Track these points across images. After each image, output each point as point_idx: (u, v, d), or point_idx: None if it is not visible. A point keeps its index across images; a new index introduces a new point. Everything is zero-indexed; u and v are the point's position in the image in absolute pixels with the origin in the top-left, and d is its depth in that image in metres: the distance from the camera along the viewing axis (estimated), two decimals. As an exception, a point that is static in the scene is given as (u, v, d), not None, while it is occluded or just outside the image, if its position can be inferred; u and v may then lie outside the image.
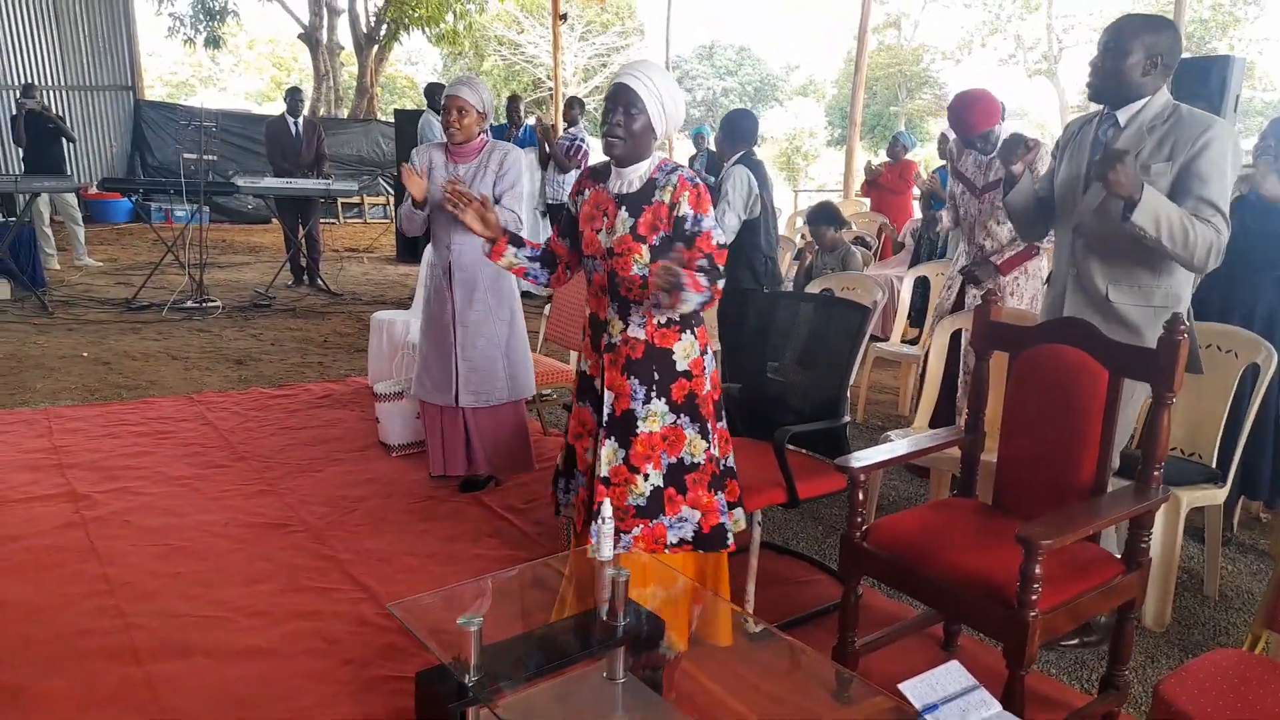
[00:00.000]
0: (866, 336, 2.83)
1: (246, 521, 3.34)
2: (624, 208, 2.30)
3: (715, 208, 3.71)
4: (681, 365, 2.34)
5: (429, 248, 4.83)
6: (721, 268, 2.27)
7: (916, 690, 1.48)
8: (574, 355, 4.79)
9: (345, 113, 19.05)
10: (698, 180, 2.28)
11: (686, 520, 2.37)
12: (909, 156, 8.19)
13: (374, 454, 4.09)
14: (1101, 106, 2.56)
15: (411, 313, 4.99)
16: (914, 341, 5.18)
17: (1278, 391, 3.14)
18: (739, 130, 3.82)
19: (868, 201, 8.33)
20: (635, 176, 2.32)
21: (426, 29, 17.28)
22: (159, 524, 3.29)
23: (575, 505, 2.53)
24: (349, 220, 14.87)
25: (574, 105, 7.72)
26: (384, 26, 18.06)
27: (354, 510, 3.48)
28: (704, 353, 2.39)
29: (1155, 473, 2.16)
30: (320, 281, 8.41)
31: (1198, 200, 2.35)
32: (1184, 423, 2.91)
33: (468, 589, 2.25)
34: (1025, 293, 3.69)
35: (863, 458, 2.31)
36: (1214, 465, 2.89)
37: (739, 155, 3.79)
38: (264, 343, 6.29)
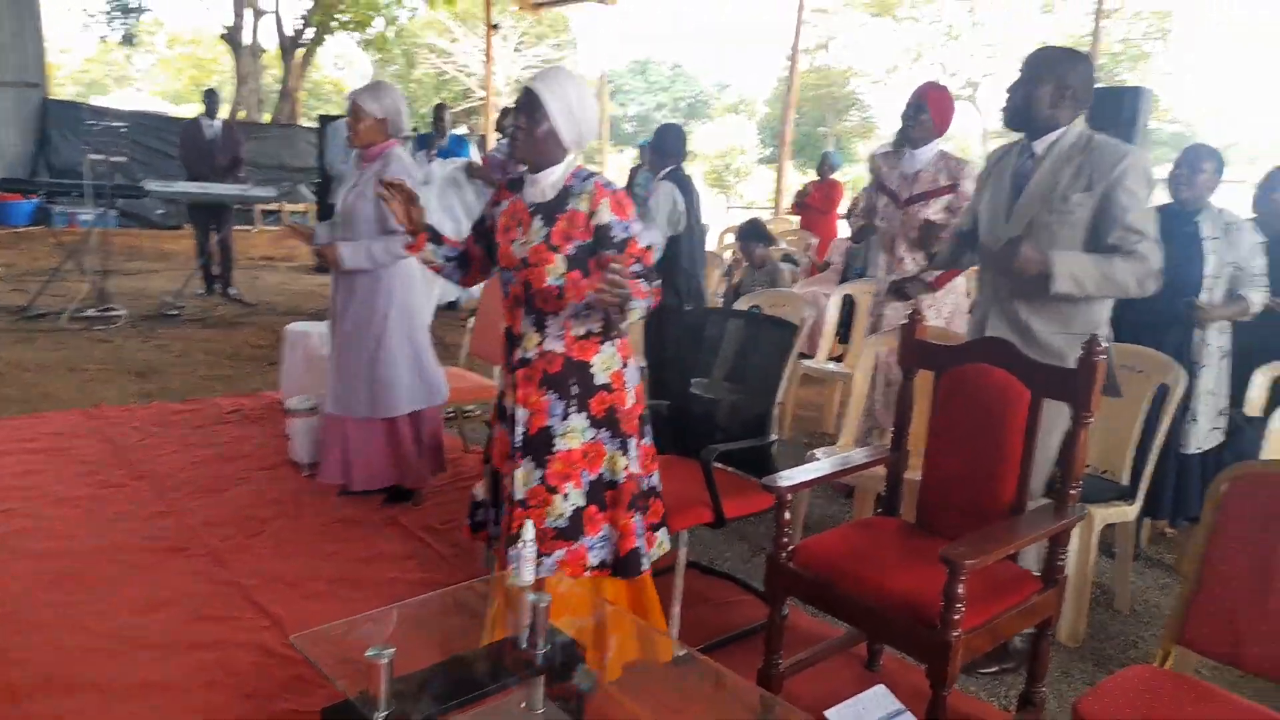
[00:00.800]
0: (794, 354, 2.81)
1: (144, 545, 3.15)
2: (538, 217, 2.26)
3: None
4: (601, 378, 2.27)
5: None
6: (653, 270, 2.24)
7: (843, 716, 1.44)
8: (496, 371, 4.70)
9: (267, 117, 18.56)
10: (615, 186, 2.24)
11: (607, 540, 2.30)
12: (835, 176, 8.31)
13: (284, 473, 3.92)
14: (1019, 136, 2.61)
15: (328, 324, 4.83)
16: (840, 359, 5.22)
17: (1182, 412, 3.22)
18: (666, 145, 3.79)
19: (797, 220, 8.42)
20: (549, 185, 2.27)
21: (354, 33, 16.95)
22: (48, 548, 3.08)
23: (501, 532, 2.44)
24: (267, 227, 14.44)
25: (505, 115, 7.61)
26: (309, 29, 17.67)
27: (260, 532, 3.31)
28: (626, 365, 2.32)
29: (1073, 491, 2.18)
30: (233, 291, 8.12)
31: (1124, 230, 2.40)
32: (1098, 441, 2.96)
33: (377, 617, 2.14)
34: (944, 307, 3.73)
35: (790, 477, 2.28)
36: (1126, 483, 2.96)
37: (666, 170, 3.75)
38: (170, 354, 6.01)
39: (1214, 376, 3.29)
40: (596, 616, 2.31)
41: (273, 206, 14.03)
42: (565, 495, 2.25)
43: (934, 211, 3.50)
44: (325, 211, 9.53)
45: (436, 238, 2.46)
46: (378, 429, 3.47)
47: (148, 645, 2.53)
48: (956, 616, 1.89)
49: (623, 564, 2.29)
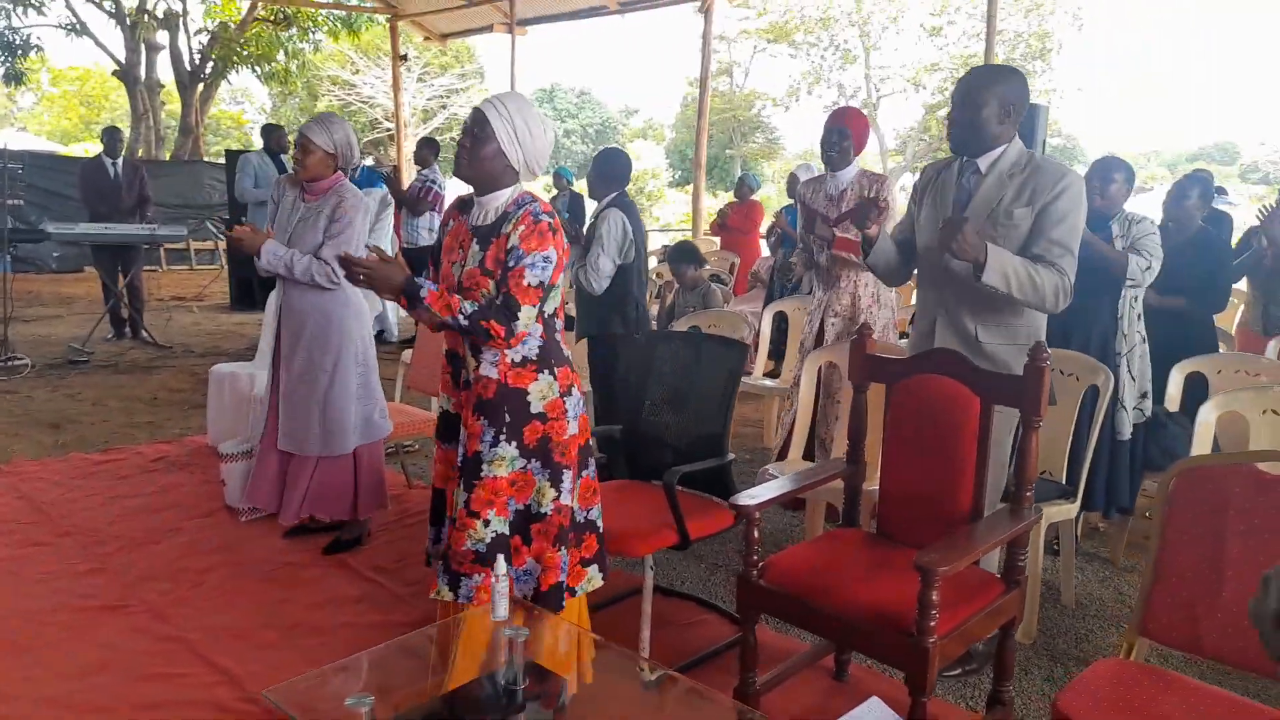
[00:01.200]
0: (742, 372, 2.85)
1: (77, 605, 2.98)
2: (476, 240, 2.25)
3: (589, 251, 3.66)
4: (536, 407, 2.24)
5: (272, 295, 4.56)
6: (521, 311, 2.15)
7: (842, 732, 1.45)
8: (435, 402, 4.62)
9: (167, 154, 17.94)
10: (543, 217, 2.17)
11: (530, 574, 2.28)
12: (754, 197, 8.47)
13: (220, 519, 3.77)
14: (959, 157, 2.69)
15: (256, 364, 4.68)
16: (774, 375, 5.30)
17: (1111, 411, 3.38)
18: (611, 171, 3.78)
19: (717, 240, 8.55)
20: (493, 208, 2.26)
21: (256, 68, 16.56)
22: (-32, 615, 2.89)
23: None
24: (173, 268, 13.94)
25: (424, 146, 7.53)
26: (210, 64, 17.18)
27: (201, 583, 3.17)
28: (566, 394, 2.29)
29: (1028, 494, 2.26)
30: (145, 334, 7.79)
31: (1049, 241, 2.50)
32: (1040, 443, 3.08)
33: (348, 665, 2.06)
34: (878, 321, 3.84)
35: (756, 495, 2.30)
36: (1065, 482, 3.08)
37: (612, 197, 3.75)
38: (83, 403, 5.73)
39: (1136, 362, 3.46)
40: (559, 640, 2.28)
41: (180, 246, 13.55)
42: (486, 521, 2.22)
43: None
44: (235, 250, 9.23)
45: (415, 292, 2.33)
46: (322, 466, 3.37)
47: (90, 709, 2.39)
48: (932, 623, 1.93)
49: (543, 598, 2.26)
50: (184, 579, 3.19)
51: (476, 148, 2.21)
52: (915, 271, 2.88)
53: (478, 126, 2.21)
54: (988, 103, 2.52)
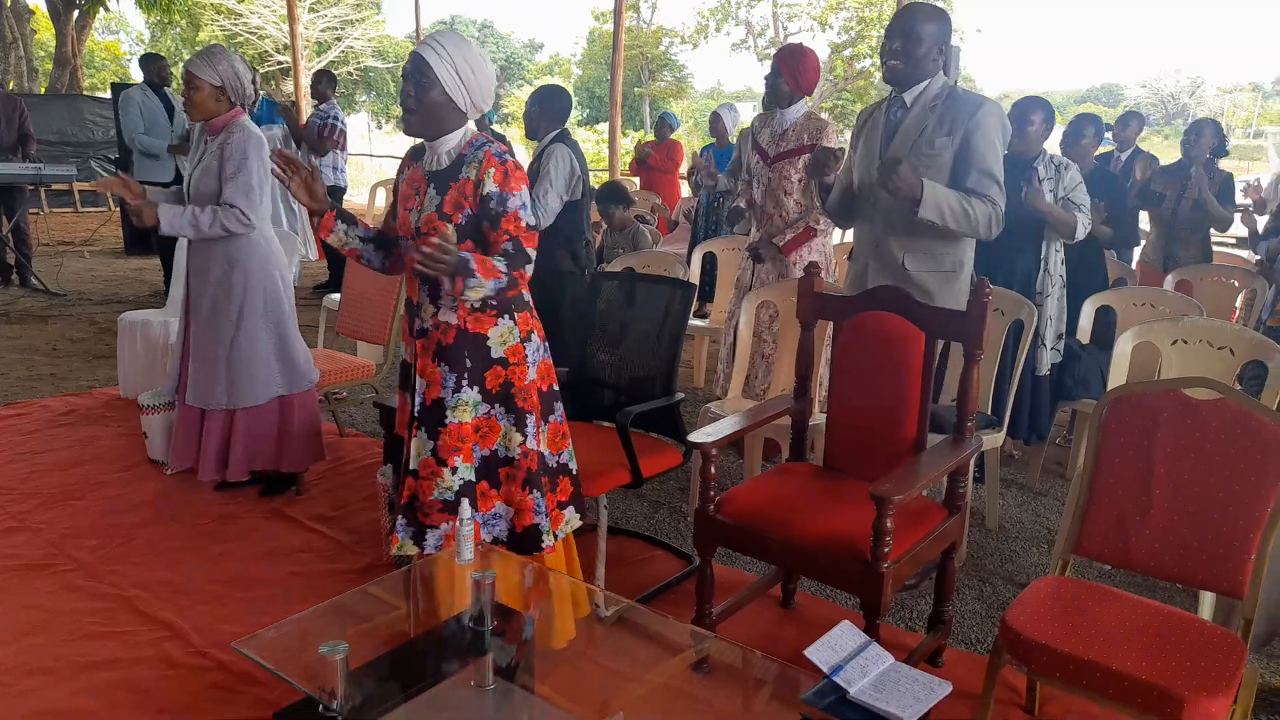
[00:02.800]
0: (690, 311, 2.87)
1: (0, 565, 2.85)
2: (433, 185, 2.20)
3: (536, 187, 3.60)
4: (497, 352, 2.23)
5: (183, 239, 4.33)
6: (531, 251, 2.17)
7: (821, 654, 1.53)
8: (363, 347, 4.51)
9: (41, 87, 16.69)
10: (506, 157, 2.16)
11: (500, 517, 2.29)
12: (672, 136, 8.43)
13: (144, 472, 3.63)
14: (889, 91, 2.78)
15: (168, 311, 4.47)
16: (702, 316, 5.35)
17: (1033, 347, 3.54)
18: (553, 108, 3.71)
19: (637, 180, 8.49)
20: (445, 152, 2.21)
21: (136, -6, 15.47)
22: (-122, 582, 2.73)
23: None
24: (57, 210, 13.06)
25: (322, 80, 7.14)
26: (83, -11, 15.97)
27: (132, 539, 3.06)
28: (526, 339, 2.28)
29: (969, 424, 2.36)
30: (36, 280, 7.33)
31: (980, 174, 2.66)
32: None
33: (317, 614, 2.04)
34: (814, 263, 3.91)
35: (711, 433, 2.34)
36: (990, 413, 3.23)
37: (555, 133, 3.68)
38: (-25, 355, 5.38)
39: (1055, 303, 3.63)
40: (531, 583, 2.30)
41: (64, 187, 12.70)
42: (454, 469, 2.21)
43: (797, 170, 3.65)
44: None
45: (348, 217, 2.35)
46: (241, 418, 3.25)
47: (31, 672, 2.31)
48: (886, 549, 2.02)
49: (520, 539, 2.28)
50: (114, 535, 3.08)
51: (421, 95, 2.14)
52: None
53: (419, 73, 2.14)
54: (925, 39, 2.65)
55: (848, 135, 3.55)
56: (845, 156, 3.09)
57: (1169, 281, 4.44)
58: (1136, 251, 5.27)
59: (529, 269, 2.16)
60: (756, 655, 1.84)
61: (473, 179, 2.14)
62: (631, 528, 3.29)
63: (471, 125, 2.25)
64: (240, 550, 3.01)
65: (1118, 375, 2.94)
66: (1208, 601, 2.52)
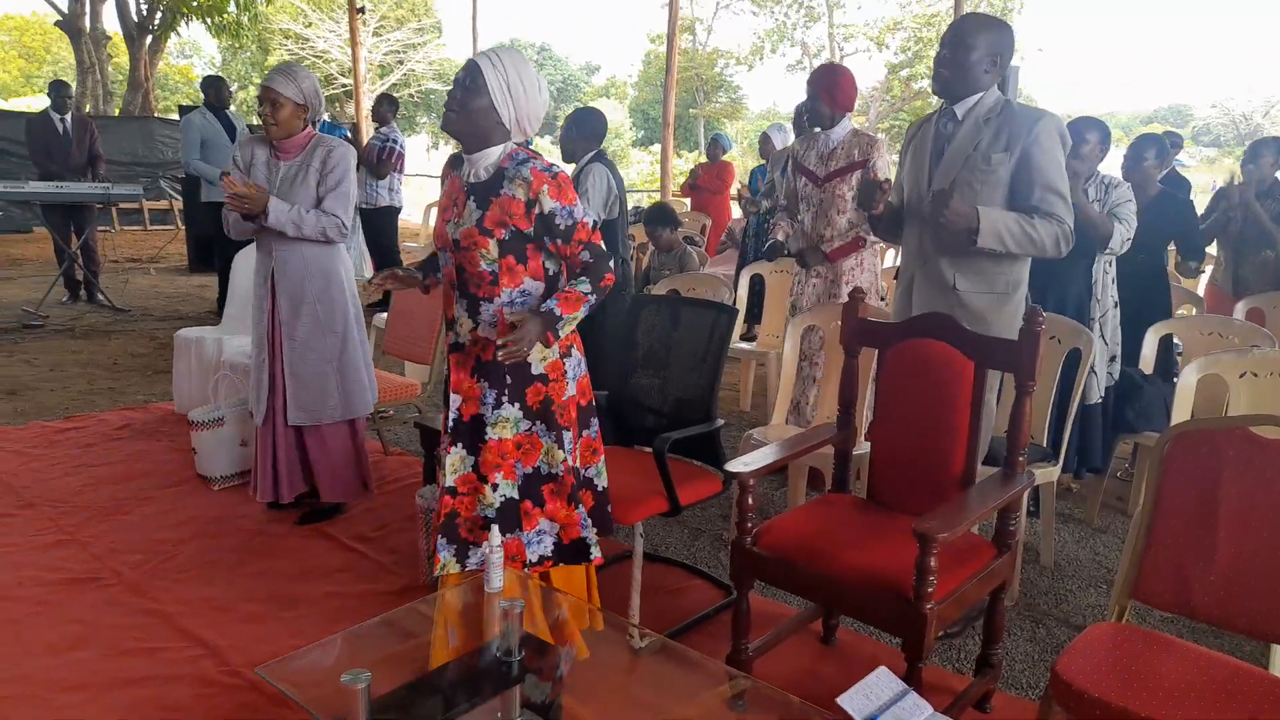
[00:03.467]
0: (731, 337, 2.82)
1: (45, 579, 2.89)
2: (472, 198, 2.18)
3: None
4: (537, 369, 2.21)
5: (241, 254, 4.41)
6: (604, 250, 2.23)
7: (854, 702, 1.45)
8: (410, 367, 4.53)
9: (116, 109, 17.32)
10: (556, 169, 2.16)
11: (545, 534, 2.26)
12: (725, 158, 8.40)
13: (192, 488, 3.68)
14: (939, 105, 2.69)
15: (223, 329, 4.56)
16: (749, 339, 5.29)
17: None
18: (590, 129, 3.72)
19: (688, 202, 8.47)
20: (484, 166, 2.19)
21: (207, 19, 15.98)
22: (-68, 591, 2.79)
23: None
24: (126, 228, 13.52)
25: (383, 103, 7.30)
26: (159, 15, 16.56)
27: (176, 555, 3.10)
28: (566, 355, 2.26)
29: (1020, 458, 2.26)
30: (102, 296, 7.56)
31: (1044, 189, 2.53)
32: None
33: (342, 640, 2.03)
34: (861, 285, 3.82)
35: (750, 462, 2.28)
36: (1045, 445, 3.11)
37: (593, 154, 3.69)
38: (40, 369, 5.55)
39: (1108, 329, 3.49)
40: (553, 610, 2.26)
41: (134, 205, 13.14)
42: (495, 485, 2.19)
43: (850, 188, 3.59)
44: (191, 211, 8.91)
45: (432, 265, 2.45)
46: (342, 432, 3.32)
47: (69, 687, 2.33)
48: (930, 589, 1.93)
49: (568, 550, 2.27)
50: (158, 551, 3.12)
51: (467, 100, 2.14)
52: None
53: (470, 78, 2.13)
54: (977, 47, 2.54)
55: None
56: (896, 174, 3.01)
57: (1240, 309, 4.26)
58: (1204, 277, 5.08)
59: (613, 264, 2.22)
60: (793, 700, 1.77)
61: (521, 198, 2.13)
62: (670, 555, 3.23)
63: (512, 142, 2.23)
64: (280, 569, 3.02)
65: (1182, 409, 2.80)
66: (1278, 655, 2.37)
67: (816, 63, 30.42)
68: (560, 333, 2.11)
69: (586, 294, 2.15)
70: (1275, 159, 4.60)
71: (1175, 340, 3.83)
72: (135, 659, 2.46)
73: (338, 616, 2.71)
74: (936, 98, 2.67)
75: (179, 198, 12.65)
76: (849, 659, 2.58)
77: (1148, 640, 1.88)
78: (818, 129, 3.69)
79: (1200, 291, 5.22)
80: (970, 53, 2.53)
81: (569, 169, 3.74)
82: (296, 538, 3.26)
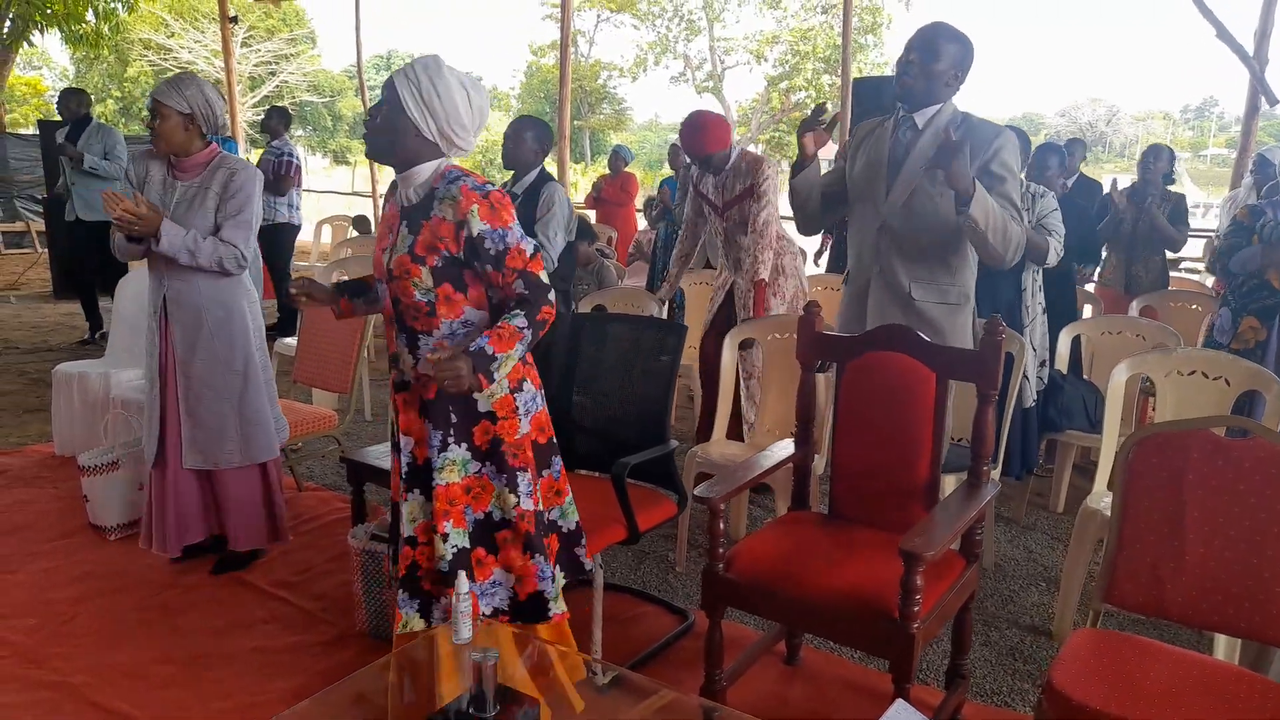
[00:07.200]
0: (680, 354, 2.74)
1: (-78, 655, 2.56)
2: (405, 223, 2.03)
3: (544, 227, 3.45)
4: (484, 406, 2.06)
5: (128, 279, 4.07)
6: (544, 279, 2.03)
7: (880, 741, 1.38)
8: (320, 395, 4.27)
9: (-43, 124, 15.94)
10: (488, 188, 1.99)
11: (500, 585, 2.11)
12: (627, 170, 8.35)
13: (86, 540, 3.34)
14: (895, 112, 2.67)
15: (108, 362, 4.19)
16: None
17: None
18: (546, 141, 3.58)
19: (593, 215, 8.38)
20: (414, 187, 2.04)
21: (62, 28, 14.93)
22: None
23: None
24: (-22, 253, 12.44)
25: (274, 116, 6.88)
26: (8, 24, 15.37)
27: (75, 616, 2.79)
28: (517, 390, 2.10)
29: (985, 468, 2.26)
30: (-44, 329, 6.90)
31: (1001, 200, 2.53)
32: (955, 412, 3.13)
33: (299, 713, 1.83)
34: (786, 291, 3.83)
35: (718, 485, 2.20)
36: (983, 449, 3.14)
37: (538, 171, 3.54)
38: (-110, 412, 4.99)
39: (1036, 335, 3.59)
40: (526, 660, 2.13)
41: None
42: (445, 535, 2.03)
43: (749, 212, 3.64)
44: (55, 232, 8.24)
45: (356, 289, 2.30)
46: (251, 474, 3.04)
47: (-37, 783, 2.05)
48: (916, 608, 1.89)
49: (524, 608, 2.11)
50: (54, 612, 2.80)
51: (388, 119, 1.99)
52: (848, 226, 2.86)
53: (388, 98, 1.99)
54: (943, 56, 2.52)
55: (784, 166, 3.47)
56: (835, 159, 3.00)
57: (1134, 307, 4.47)
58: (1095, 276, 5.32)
59: (551, 297, 2.03)
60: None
61: (450, 219, 1.96)
62: (618, 581, 3.11)
63: (443, 159, 2.07)
64: (197, 624, 2.76)
65: (1113, 407, 2.88)
66: (1221, 644, 2.44)
67: (699, 75, 30.96)
68: (495, 374, 1.92)
69: (521, 329, 1.96)
70: (1167, 163, 4.88)
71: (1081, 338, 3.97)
72: (40, 741, 2.19)
73: (268, 673, 2.50)
74: (896, 100, 2.65)
75: (37, 219, 11.74)
76: (817, 679, 2.53)
77: (1129, 645, 1.89)
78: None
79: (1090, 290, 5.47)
80: (937, 61, 2.52)
81: (528, 180, 3.57)
82: (211, 588, 2.99)
